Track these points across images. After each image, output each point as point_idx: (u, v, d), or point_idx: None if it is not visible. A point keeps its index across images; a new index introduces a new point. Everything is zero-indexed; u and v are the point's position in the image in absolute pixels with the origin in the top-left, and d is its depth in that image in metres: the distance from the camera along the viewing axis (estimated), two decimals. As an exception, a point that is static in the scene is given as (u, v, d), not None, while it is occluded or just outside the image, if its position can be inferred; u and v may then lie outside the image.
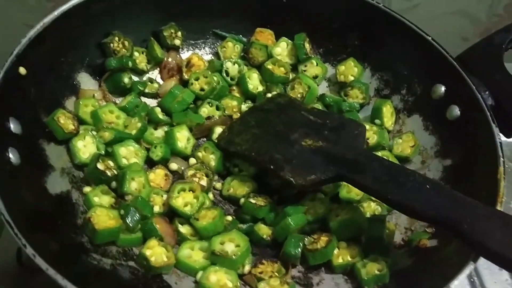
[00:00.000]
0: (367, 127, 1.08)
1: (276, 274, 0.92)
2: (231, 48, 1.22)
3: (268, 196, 1.01)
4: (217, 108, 1.14)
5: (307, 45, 1.19)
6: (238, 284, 0.90)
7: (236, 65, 1.19)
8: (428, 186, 0.86)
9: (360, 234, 0.97)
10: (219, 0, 1.20)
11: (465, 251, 0.82)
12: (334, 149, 0.97)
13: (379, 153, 1.07)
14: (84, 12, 1.05)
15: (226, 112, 1.14)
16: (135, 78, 1.17)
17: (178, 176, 1.04)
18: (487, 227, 0.78)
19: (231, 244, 0.92)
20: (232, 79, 1.19)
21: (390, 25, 1.14)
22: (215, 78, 1.14)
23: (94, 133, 1.03)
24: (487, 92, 1.02)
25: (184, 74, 1.17)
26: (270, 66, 1.18)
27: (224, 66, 1.18)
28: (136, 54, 1.16)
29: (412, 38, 1.11)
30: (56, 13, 1.00)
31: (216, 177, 1.06)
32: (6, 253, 1.02)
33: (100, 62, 1.12)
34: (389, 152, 1.10)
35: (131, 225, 0.91)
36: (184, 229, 0.95)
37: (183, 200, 0.96)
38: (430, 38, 1.09)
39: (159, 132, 1.09)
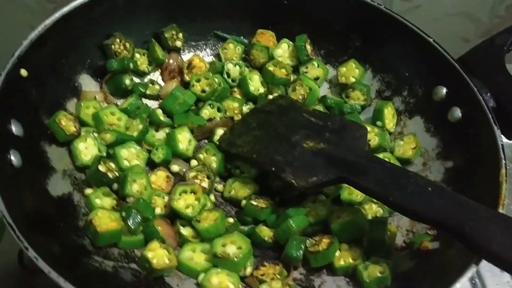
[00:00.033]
0: (369, 129, 1.08)
1: (278, 276, 0.92)
2: (232, 49, 1.22)
3: (270, 198, 1.01)
4: (219, 110, 1.14)
5: (308, 47, 1.19)
6: (240, 286, 0.90)
7: (237, 66, 1.19)
8: (429, 189, 0.85)
9: (362, 236, 0.97)
10: (220, 2, 1.19)
11: (467, 253, 0.82)
12: (335, 151, 0.97)
13: (381, 155, 1.07)
14: (86, 13, 1.05)
15: (227, 113, 1.14)
16: (137, 80, 1.16)
17: (179, 178, 1.04)
18: (489, 230, 0.78)
19: (233, 246, 0.91)
20: (233, 80, 1.19)
21: (392, 26, 1.13)
22: (216, 80, 1.14)
23: (96, 135, 1.03)
24: (488, 94, 1.01)
25: (185, 75, 1.16)
26: (271, 68, 1.18)
27: (225, 67, 1.18)
28: (137, 55, 1.16)
29: (414, 39, 1.11)
30: (57, 14, 1.00)
31: (217, 179, 1.06)
32: (8, 255, 1.02)
33: (101, 64, 1.11)
34: (391, 154, 1.10)
35: (132, 227, 0.91)
36: (185, 231, 0.95)
37: (185, 202, 0.96)
38: (431, 39, 1.09)
39: (161, 134, 1.09)
